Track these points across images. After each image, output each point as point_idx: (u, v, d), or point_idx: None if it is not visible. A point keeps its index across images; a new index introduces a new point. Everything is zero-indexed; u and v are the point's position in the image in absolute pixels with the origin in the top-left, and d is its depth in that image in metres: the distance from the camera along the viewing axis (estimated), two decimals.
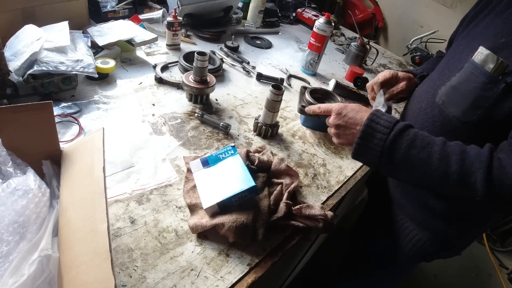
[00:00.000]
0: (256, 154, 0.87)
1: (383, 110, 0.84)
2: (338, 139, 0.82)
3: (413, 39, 2.36)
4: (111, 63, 1.04)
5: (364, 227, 1.25)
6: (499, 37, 0.75)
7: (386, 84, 1.03)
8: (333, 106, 0.82)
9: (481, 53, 0.72)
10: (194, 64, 1.01)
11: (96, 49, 1.11)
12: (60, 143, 0.64)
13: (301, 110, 1.06)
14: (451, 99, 0.79)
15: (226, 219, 0.69)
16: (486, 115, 0.73)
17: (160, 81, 1.11)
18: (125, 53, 1.18)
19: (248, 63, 1.37)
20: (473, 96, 0.73)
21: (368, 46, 1.63)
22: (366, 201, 1.30)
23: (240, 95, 1.19)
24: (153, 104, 1.02)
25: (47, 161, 0.61)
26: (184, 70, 1.17)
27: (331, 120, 0.81)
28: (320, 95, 1.15)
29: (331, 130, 0.83)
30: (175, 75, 1.18)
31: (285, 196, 0.79)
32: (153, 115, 0.98)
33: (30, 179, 0.52)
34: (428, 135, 0.71)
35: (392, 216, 1.01)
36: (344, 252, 1.42)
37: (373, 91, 1.04)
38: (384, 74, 1.03)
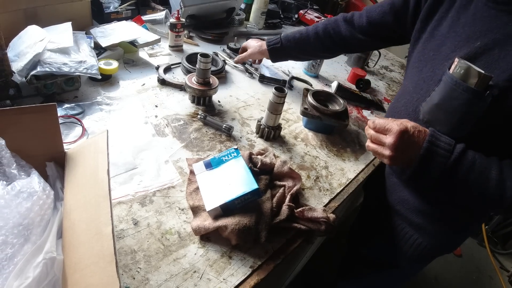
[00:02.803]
0: (259, 157, 0.87)
1: None
2: (392, 162, 0.71)
3: None
4: (114, 64, 1.04)
5: (362, 231, 1.25)
6: (473, 40, 0.70)
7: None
8: (393, 126, 0.70)
9: (459, 66, 0.67)
10: (197, 66, 1.01)
11: (99, 50, 1.11)
12: (63, 144, 0.64)
13: (304, 112, 1.07)
14: (437, 118, 0.75)
15: (229, 222, 0.69)
16: (477, 129, 0.71)
17: (162, 82, 1.11)
18: (128, 54, 1.18)
19: (251, 64, 1.37)
20: (460, 113, 0.70)
21: None
22: (362, 205, 1.30)
23: (242, 97, 1.19)
24: (156, 106, 1.02)
25: (51, 163, 0.62)
26: (187, 71, 1.17)
27: (388, 141, 0.70)
28: (322, 98, 1.16)
29: (385, 152, 0.71)
30: (177, 76, 1.18)
31: (287, 199, 0.79)
32: (156, 116, 0.98)
33: (34, 181, 0.52)
34: (484, 158, 0.69)
35: (390, 221, 1.01)
36: (343, 254, 1.42)
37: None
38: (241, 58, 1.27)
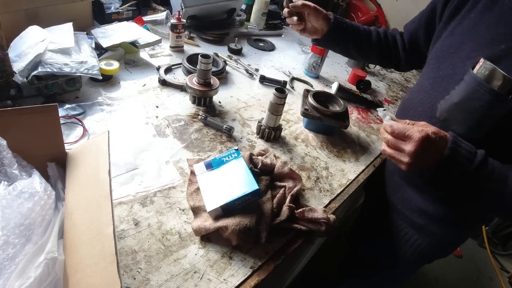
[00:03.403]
0: (259, 157, 0.87)
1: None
2: (409, 168, 0.68)
3: None
4: (115, 64, 1.04)
5: (362, 231, 1.25)
6: (497, 42, 0.70)
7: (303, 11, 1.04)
8: (414, 133, 0.65)
9: (484, 67, 0.66)
10: (197, 66, 1.01)
11: (100, 50, 1.11)
12: (64, 145, 0.64)
13: (304, 113, 1.07)
14: (454, 117, 0.74)
15: (229, 222, 0.69)
16: (494, 131, 0.70)
17: (163, 83, 1.11)
18: (128, 55, 1.18)
19: (249, 65, 1.37)
20: (480, 115, 0.69)
21: None
22: (362, 205, 1.30)
23: (243, 97, 1.19)
24: (157, 106, 1.02)
25: (52, 163, 0.62)
26: (188, 72, 1.17)
27: (409, 148, 0.66)
28: (323, 98, 1.16)
29: (404, 159, 0.68)
30: (178, 77, 1.18)
31: (288, 199, 0.79)
32: (157, 117, 0.98)
33: (35, 182, 0.52)
34: (502, 167, 0.68)
35: (390, 222, 1.01)
36: (343, 254, 1.42)
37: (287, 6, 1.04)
38: (306, 4, 1.02)
